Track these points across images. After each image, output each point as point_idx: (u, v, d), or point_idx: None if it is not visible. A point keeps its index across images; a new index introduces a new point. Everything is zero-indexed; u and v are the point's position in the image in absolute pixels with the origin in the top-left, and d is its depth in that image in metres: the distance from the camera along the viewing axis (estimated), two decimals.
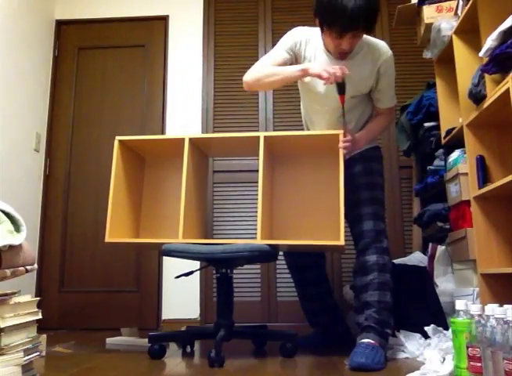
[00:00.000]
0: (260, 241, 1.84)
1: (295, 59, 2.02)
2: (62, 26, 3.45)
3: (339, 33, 1.82)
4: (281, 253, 2.27)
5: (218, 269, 1.98)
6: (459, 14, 2.18)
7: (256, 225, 1.89)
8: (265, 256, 1.87)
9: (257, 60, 3.21)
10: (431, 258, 2.26)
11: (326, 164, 2.12)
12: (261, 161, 1.92)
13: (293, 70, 1.90)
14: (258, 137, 1.96)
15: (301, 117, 2.24)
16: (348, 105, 1.96)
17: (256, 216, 2.99)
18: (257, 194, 1.86)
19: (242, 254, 1.80)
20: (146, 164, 2.27)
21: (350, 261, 2.93)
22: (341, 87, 1.84)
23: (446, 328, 1.91)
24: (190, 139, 2.01)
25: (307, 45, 2.01)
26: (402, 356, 1.85)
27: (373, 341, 1.73)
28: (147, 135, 2.17)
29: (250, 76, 2.00)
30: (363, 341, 1.74)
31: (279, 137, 2.04)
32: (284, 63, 1.98)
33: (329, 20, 1.82)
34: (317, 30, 1.96)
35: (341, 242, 1.80)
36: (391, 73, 2.02)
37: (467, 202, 2.04)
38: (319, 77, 1.80)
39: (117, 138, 2.06)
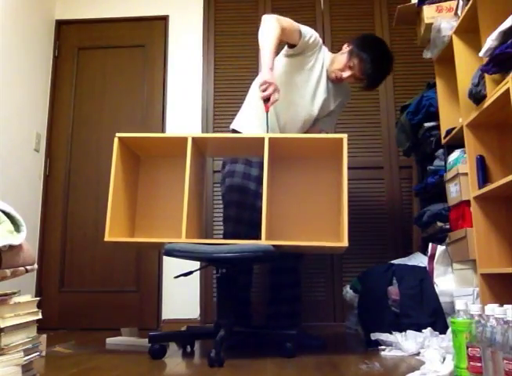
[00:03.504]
0: (264, 242, 1.82)
1: (302, 50, 2.23)
2: (62, 26, 3.45)
3: (361, 77, 2.22)
4: None
5: (219, 269, 1.98)
6: (459, 14, 2.18)
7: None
8: (270, 257, 1.86)
9: (257, 60, 3.27)
10: (431, 258, 2.26)
11: (327, 167, 2.11)
12: (265, 163, 1.90)
13: (265, 59, 2.11)
14: (263, 138, 1.93)
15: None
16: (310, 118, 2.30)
17: None
18: None
19: (247, 254, 1.79)
20: (141, 163, 2.24)
21: (350, 261, 2.94)
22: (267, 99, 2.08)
23: (446, 328, 1.91)
24: (193, 139, 1.99)
25: (319, 53, 2.28)
26: (398, 354, 1.87)
27: None
28: (148, 133, 2.14)
29: (271, 20, 2.25)
30: None
31: (284, 139, 2.03)
32: (289, 34, 2.24)
33: (368, 68, 2.16)
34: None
35: (345, 243, 1.81)
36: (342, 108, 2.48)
37: (467, 202, 2.04)
38: (260, 85, 2.02)
39: (117, 135, 2.00)
